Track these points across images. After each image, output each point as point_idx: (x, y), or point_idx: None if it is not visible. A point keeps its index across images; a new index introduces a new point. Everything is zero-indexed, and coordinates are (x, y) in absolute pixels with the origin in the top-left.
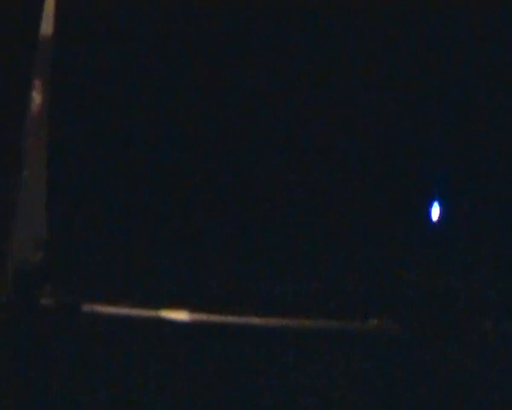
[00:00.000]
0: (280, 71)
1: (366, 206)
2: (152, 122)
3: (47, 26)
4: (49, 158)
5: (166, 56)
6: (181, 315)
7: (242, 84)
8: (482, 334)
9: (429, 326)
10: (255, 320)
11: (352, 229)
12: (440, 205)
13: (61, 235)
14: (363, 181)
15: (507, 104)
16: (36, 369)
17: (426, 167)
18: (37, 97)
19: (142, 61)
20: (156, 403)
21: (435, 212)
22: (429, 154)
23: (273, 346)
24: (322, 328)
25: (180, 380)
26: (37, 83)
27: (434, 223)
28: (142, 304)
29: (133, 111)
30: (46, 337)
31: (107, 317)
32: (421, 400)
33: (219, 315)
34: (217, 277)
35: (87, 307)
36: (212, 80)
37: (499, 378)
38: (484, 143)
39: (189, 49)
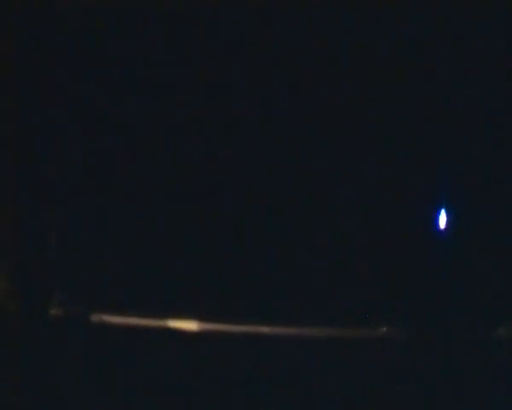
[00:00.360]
0: (285, 74)
1: (373, 214)
2: (155, 134)
3: None
4: (57, 169)
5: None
6: (189, 325)
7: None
8: (493, 341)
9: (437, 334)
10: (264, 329)
11: (359, 237)
12: (447, 212)
13: (70, 246)
14: (371, 188)
15: None
16: (44, 378)
17: (433, 175)
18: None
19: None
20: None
21: (442, 219)
22: (436, 161)
23: (282, 354)
24: (331, 336)
25: (188, 389)
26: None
27: (441, 230)
28: (150, 314)
29: (135, 121)
30: (55, 347)
31: (115, 327)
32: (429, 406)
33: (228, 325)
34: (225, 286)
35: (96, 317)
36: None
37: (507, 385)
38: (492, 151)
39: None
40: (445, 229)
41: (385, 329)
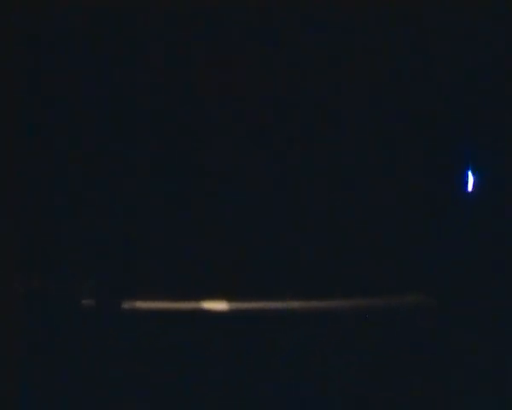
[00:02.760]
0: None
1: (401, 180)
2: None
3: None
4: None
5: None
6: (220, 305)
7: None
8: None
9: (464, 301)
10: (294, 305)
11: (386, 205)
12: (475, 175)
13: (100, 236)
14: (396, 154)
15: None
16: (80, 367)
17: (460, 140)
18: None
19: None
20: (200, 392)
21: (470, 182)
22: (464, 126)
23: (313, 330)
24: (360, 306)
25: (221, 367)
26: None
27: (469, 193)
28: (181, 297)
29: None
30: (89, 336)
31: (147, 313)
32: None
33: (258, 302)
34: (254, 265)
35: (127, 304)
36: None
37: None
38: None
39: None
40: (472, 192)
41: (413, 296)
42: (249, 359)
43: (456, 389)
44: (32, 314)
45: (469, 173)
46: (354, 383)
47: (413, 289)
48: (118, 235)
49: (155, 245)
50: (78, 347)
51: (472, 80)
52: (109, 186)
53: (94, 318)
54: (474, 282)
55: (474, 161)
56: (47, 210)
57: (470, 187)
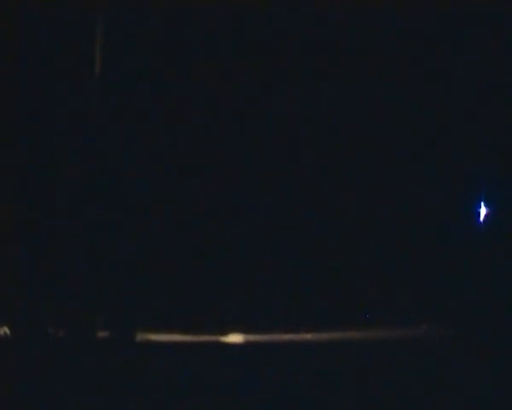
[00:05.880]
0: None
1: (413, 212)
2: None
3: None
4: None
5: None
6: (236, 338)
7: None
8: None
9: (479, 332)
10: (308, 337)
11: (398, 236)
12: (487, 207)
13: (112, 267)
14: (409, 186)
15: None
16: (94, 398)
17: (473, 170)
18: None
19: None
20: None
21: (482, 214)
22: (477, 156)
23: (329, 362)
24: (372, 337)
25: (236, 399)
26: None
27: (481, 225)
28: (195, 330)
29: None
30: (103, 368)
31: (161, 345)
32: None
33: (273, 335)
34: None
35: (141, 337)
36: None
37: None
38: None
39: None
40: (485, 223)
41: (424, 328)
42: (263, 391)
43: None
44: (47, 346)
45: (482, 205)
46: None
47: (429, 320)
48: (133, 267)
49: (171, 278)
50: (92, 378)
51: (487, 115)
52: (123, 220)
53: (108, 350)
54: (490, 312)
55: (486, 192)
56: (63, 243)
57: (482, 218)
